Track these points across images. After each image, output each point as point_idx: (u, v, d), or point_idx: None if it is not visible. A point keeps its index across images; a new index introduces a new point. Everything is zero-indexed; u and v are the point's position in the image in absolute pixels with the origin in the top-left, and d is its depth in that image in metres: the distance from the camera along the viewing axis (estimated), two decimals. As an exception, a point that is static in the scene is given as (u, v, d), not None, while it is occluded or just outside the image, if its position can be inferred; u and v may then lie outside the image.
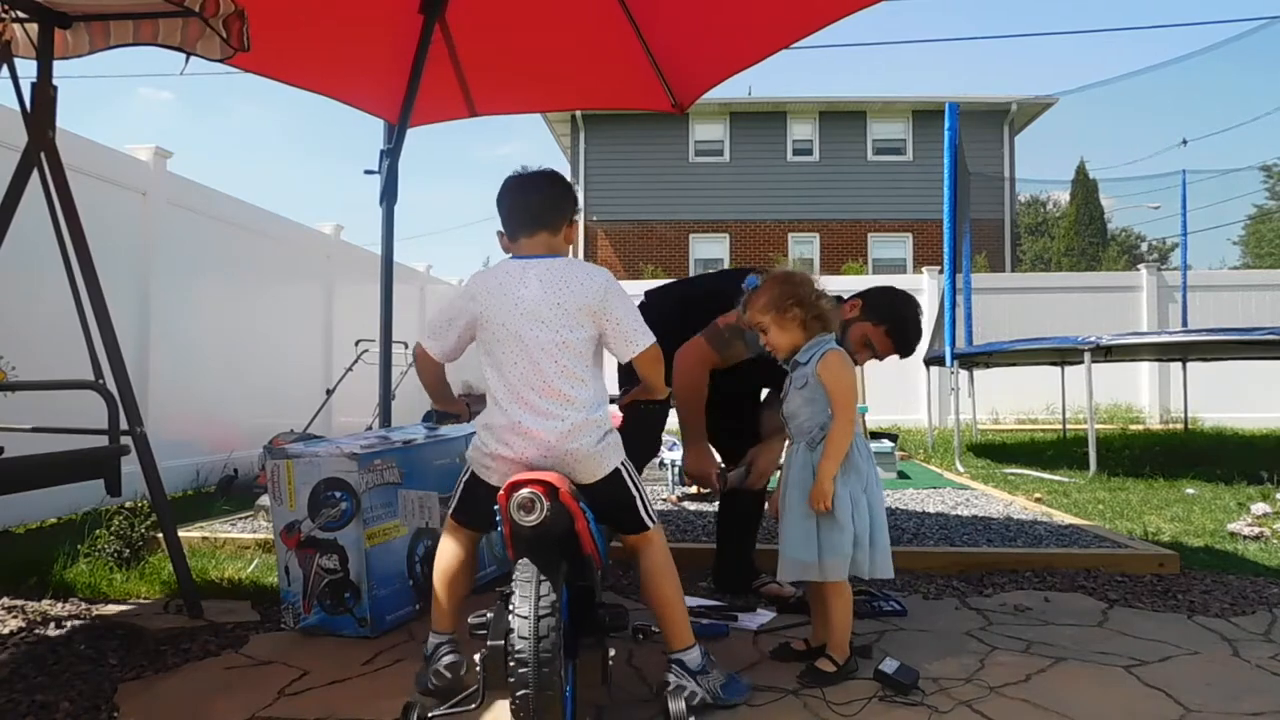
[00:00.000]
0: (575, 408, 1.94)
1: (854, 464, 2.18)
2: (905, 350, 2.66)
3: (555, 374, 1.94)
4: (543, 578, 1.72)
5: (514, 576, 1.75)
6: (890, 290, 2.71)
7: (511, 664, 1.63)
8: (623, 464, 2.03)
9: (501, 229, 2.14)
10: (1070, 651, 2.41)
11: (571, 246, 2.19)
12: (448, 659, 2.03)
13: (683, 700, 1.88)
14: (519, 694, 1.62)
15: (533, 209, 2.10)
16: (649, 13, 3.85)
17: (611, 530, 2.08)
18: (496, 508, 1.83)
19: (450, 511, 2.13)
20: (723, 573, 3.05)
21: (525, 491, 1.76)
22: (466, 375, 2.17)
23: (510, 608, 1.69)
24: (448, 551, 2.10)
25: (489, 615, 1.84)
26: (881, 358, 2.67)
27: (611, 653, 1.86)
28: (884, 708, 2.03)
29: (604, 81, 4.63)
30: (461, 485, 2.10)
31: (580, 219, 2.12)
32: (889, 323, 2.59)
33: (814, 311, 2.23)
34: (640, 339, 2.06)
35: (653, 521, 2.05)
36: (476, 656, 1.79)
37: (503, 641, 1.68)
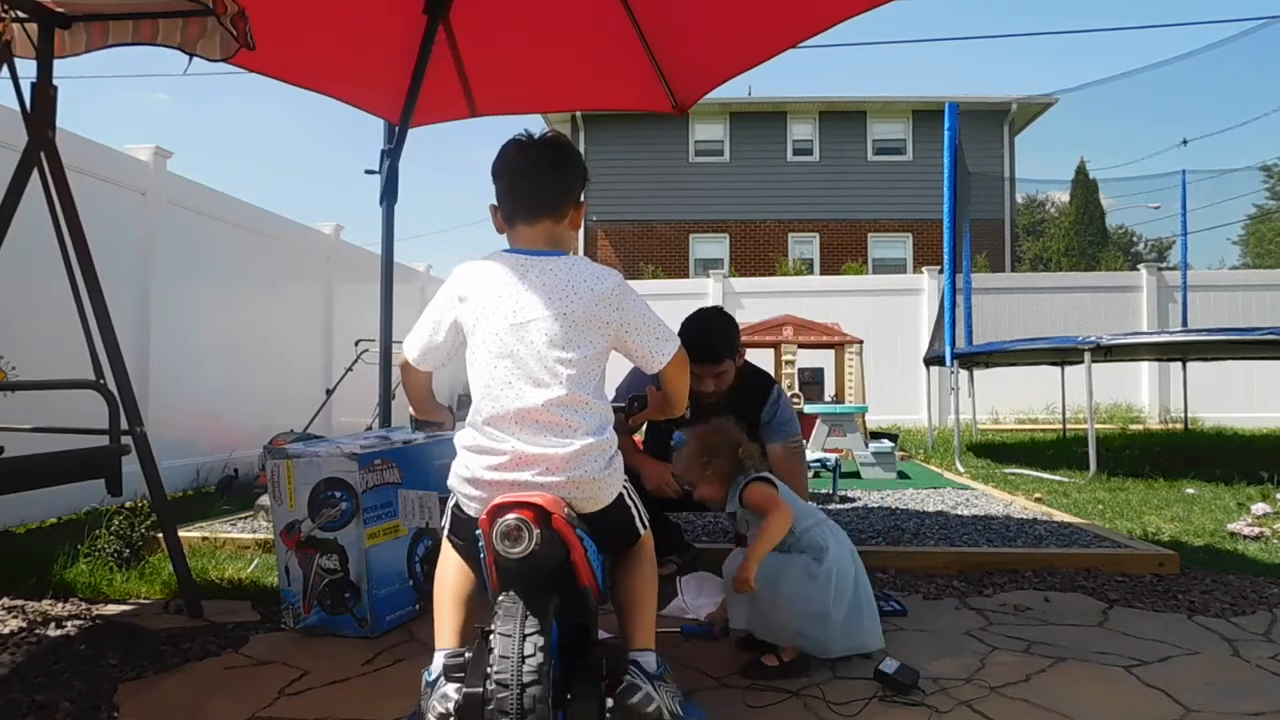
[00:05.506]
0: (579, 434, 1.68)
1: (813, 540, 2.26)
2: (693, 355, 2.54)
3: (556, 401, 1.67)
4: (529, 616, 1.48)
5: (496, 612, 1.51)
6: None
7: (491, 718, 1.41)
8: (625, 485, 1.81)
9: (496, 204, 1.85)
10: (1070, 651, 2.41)
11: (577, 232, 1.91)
12: (449, 690, 1.62)
13: (639, 698, 1.69)
14: None
15: (537, 191, 1.80)
16: (651, 13, 3.86)
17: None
18: (478, 533, 1.59)
19: (445, 533, 1.86)
20: None
21: (511, 517, 1.51)
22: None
23: (490, 649, 1.45)
24: (451, 565, 1.84)
25: (466, 655, 1.59)
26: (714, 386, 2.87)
27: (609, 703, 1.64)
28: (884, 708, 2.03)
29: (605, 82, 4.64)
30: (449, 512, 1.83)
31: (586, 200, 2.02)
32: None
33: (730, 464, 2.32)
34: (665, 346, 1.82)
35: (645, 528, 1.85)
36: (451, 705, 1.55)
37: (481, 689, 1.43)
